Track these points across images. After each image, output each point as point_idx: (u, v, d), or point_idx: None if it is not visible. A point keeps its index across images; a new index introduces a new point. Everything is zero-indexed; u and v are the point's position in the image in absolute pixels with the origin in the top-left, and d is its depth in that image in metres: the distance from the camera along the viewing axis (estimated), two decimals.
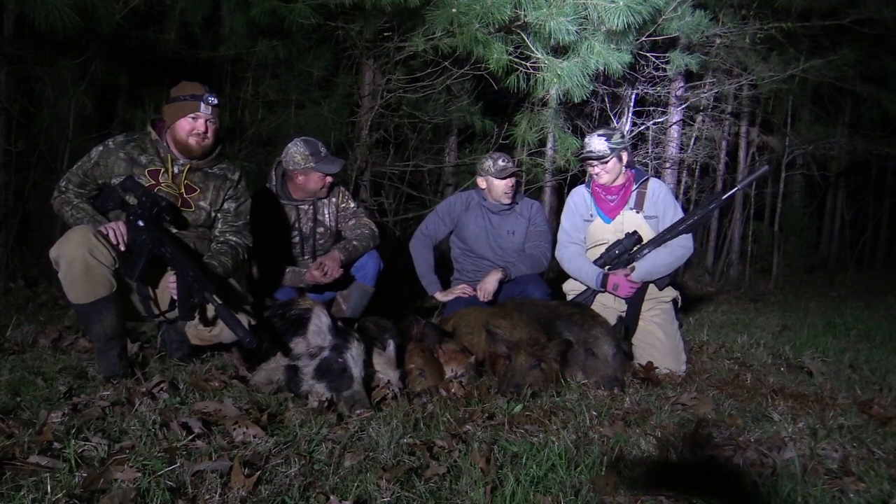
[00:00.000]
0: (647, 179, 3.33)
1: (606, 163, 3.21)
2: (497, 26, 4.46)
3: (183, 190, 2.74)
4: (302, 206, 3.46)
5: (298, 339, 2.46)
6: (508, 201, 3.66)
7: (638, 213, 3.26)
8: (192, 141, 2.67)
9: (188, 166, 2.74)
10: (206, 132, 2.68)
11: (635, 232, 3.19)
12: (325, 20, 4.80)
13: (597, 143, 3.22)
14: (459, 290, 3.62)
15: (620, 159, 3.25)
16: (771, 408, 2.47)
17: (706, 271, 8.61)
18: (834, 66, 7.47)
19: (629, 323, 3.19)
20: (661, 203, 3.27)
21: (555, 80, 4.73)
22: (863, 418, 2.39)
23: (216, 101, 2.67)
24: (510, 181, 3.63)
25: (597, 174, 3.27)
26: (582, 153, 3.31)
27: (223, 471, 1.61)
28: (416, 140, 5.86)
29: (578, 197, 3.42)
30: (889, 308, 6.09)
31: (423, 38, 4.80)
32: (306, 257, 3.50)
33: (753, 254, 8.88)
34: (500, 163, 3.60)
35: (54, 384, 2.30)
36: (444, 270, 3.88)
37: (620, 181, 3.31)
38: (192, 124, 2.65)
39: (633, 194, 3.29)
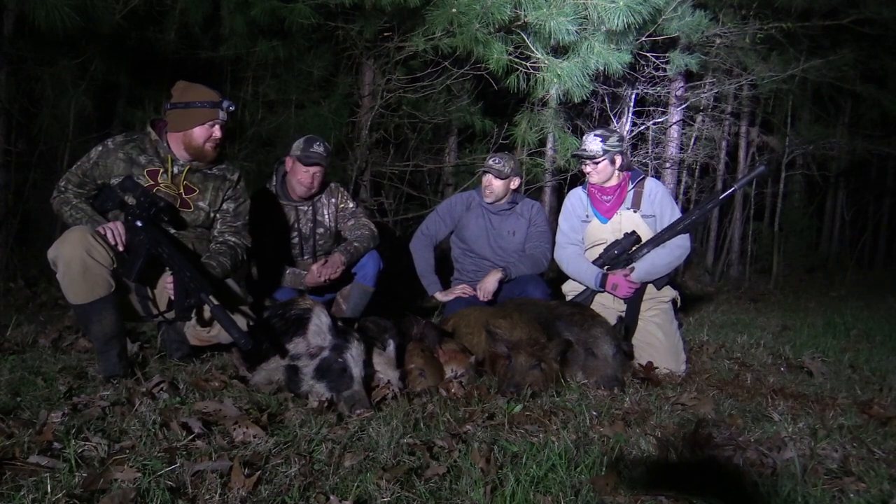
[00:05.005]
0: (643, 179, 3.34)
1: (598, 163, 3.23)
2: (497, 26, 4.46)
3: (182, 190, 2.74)
4: (301, 207, 3.46)
5: (298, 339, 2.46)
6: (488, 200, 3.66)
7: (635, 212, 3.27)
8: (209, 148, 2.68)
9: (187, 167, 2.74)
10: (221, 138, 2.69)
11: (634, 232, 3.19)
12: (325, 20, 4.80)
13: (591, 142, 3.25)
14: (459, 290, 3.62)
15: (613, 162, 3.26)
16: (771, 408, 2.47)
17: (706, 271, 8.61)
18: (834, 66, 7.47)
19: (629, 323, 3.19)
20: (658, 202, 3.27)
21: (555, 80, 4.73)
22: (863, 418, 2.39)
23: (233, 108, 2.69)
24: (486, 179, 3.64)
25: (588, 172, 3.30)
26: (577, 150, 3.33)
27: (223, 471, 1.61)
28: (416, 140, 5.86)
29: (575, 198, 3.43)
30: (889, 308, 6.09)
31: (423, 38, 4.80)
32: (306, 258, 3.50)
33: (753, 254, 8.87)
34: (489, 161, 3.63)
35: (54, 384, 2.30)
36: (445, 270, 3.88)
37: (614, 182, 3.31)
38: (210, 131, 2.66)
39: (630, 194, 3.30)
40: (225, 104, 2.66)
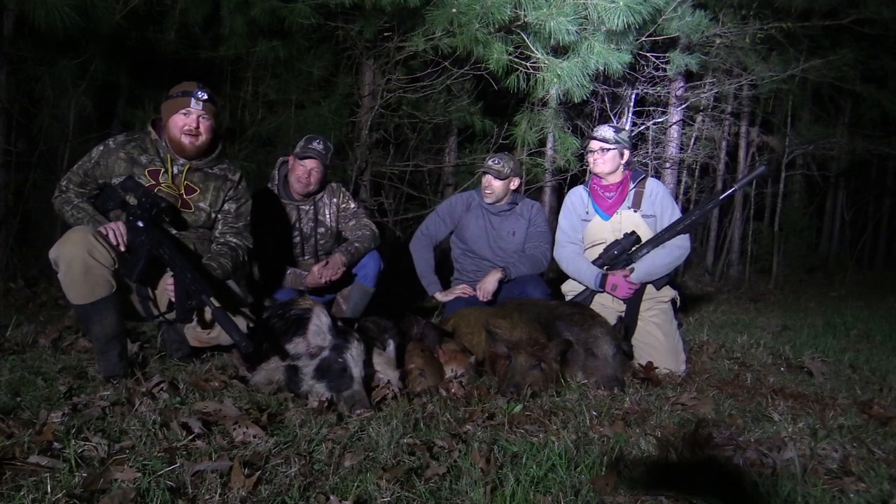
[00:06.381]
0: (644, 178, 3.34)
1: (607, 151, 3.24)
2: (497, 26, 4.46)
3: (183, 190, 2.74)
4: (303, 207, 3.46)
5: (298, 339, 2.46)
6: (488, 200, 3.66)
7: (635, 211, 3.27)
8: (185, 139, 2.66)
9: (188, 166, 2.74)
10: (197, 128, 2.66)
11: (633, 232, 3.19)
12: (325, 20, 4.81)
13: (605, 129, 3.31)
14: (459, 290, 3.62)
15: (622, 155, 3.27)
16: (771, 408, 2.47)
17: (706, 271, 8.61)
18: (834, 66, 7.47)
19: (628, 323, 3.19)
20: (658, 202, 3.28)
21: (555, 80, 4.73)
22: (863, 418, 2.39)
23: (206, 97, 2.65)
24: (485, 179, 3.64)
25: (594, 161, 3.29)
26: (589, 135, 3.36)
27: (223, 471, 1.61)
28: (416, 140, 5.86)
29: (576, 196, 3.43)
30: (889, 308, 6.09)
31: (423, 38, 4.80)
32: (307, 258, 3.50)
33: (753, 254, 8.87)
34: (489, 162, 3.63)
35: (54, 384, 2.30)
36: (445, 270, 3.88)
37: (617, 178, 3.32)
38: (184, 120, 2.65)
39: (631, 193, 3.30)
40: (197, 93, 2.64)
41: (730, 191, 3.50)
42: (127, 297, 2.65)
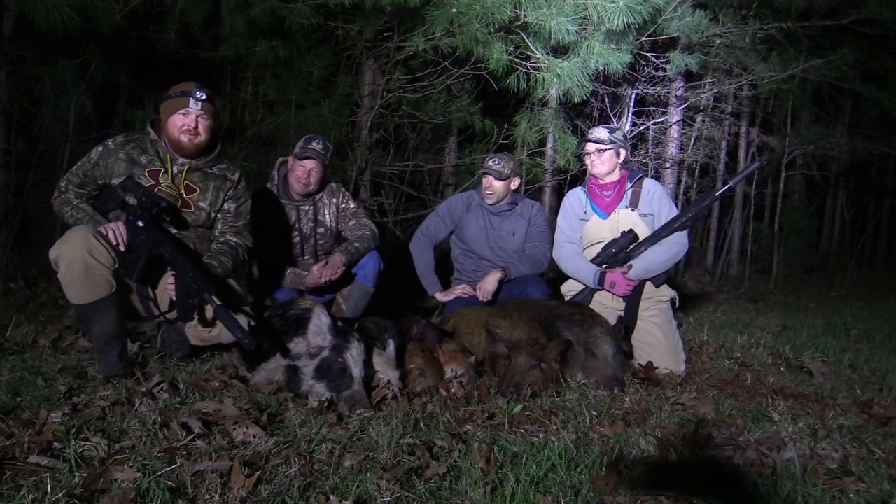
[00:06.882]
0: (641, 178, 3.35)
1: (603, 152, 3.25)
2: (497, 26, 4.46)
3: (183, 190, 2.74)
4: (302, 207, 3.46)
5: (298, 339, 2.46)
6: (489, 201, 3.66)
7: (633, 210, 3.28)
8: (185, 138, 2.67)
9: (187, 166, 2.74)
10: (196, 128, 2.67)
11: (631, 230, 3.20)
12: (325, 20, 4.81)
13: (599, 130, 3.32)
14: (459, 290, 3.62)
15: (618, 155, 3.28)
16: (771, 408, 2.47)
17: (706, 271, 8.61)
18: (834, 66, 7.48)
19: (627, 322, 3.19)
20: (656, 201, 3.28)
21: (555, 80, 4.73)
22: (863, 418, 2.39)
23: (205, 96, 2.66)
24: (486, 180, 3.64)
25: (591, 162, 3.31)
26: (584, 138, 3.34)
27: (223, 471, 1.61)
28: (416, 140, 5.86)
29: (574, 197, 3.44)
30: (889, 308, 6.09)
31: (423, 38, 4.80)
32: (306, 258, 3.50)
33: (753, 254, 8.88)
34: (489, 163, 3.64)
35: (54, 384, 2.30)
36: (445, 270, 3.88)
37: (615, 178, 3.33)
38: (183, 120, 2.66)
39: (629, 192, 3.31)
40: (196, 92, 2.65)
41: (726, 186, 3.50)
42: (127, 297, 2.65)
